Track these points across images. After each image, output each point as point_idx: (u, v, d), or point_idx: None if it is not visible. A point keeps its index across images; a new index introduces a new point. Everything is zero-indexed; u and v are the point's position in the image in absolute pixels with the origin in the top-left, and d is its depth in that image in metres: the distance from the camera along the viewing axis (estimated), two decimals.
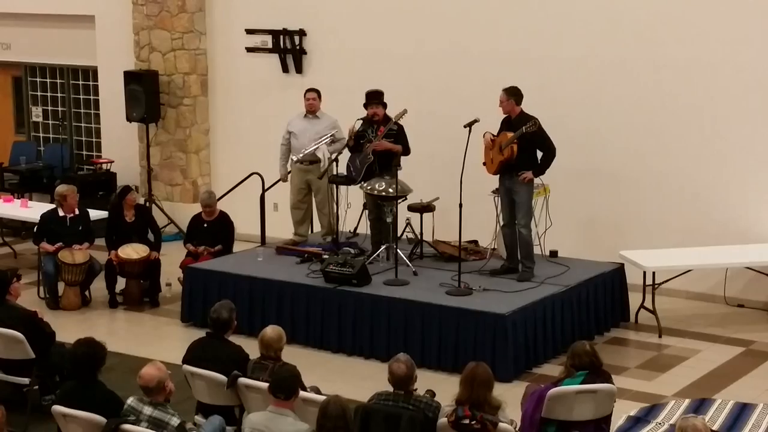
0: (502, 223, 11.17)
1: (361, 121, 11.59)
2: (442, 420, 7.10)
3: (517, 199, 10.87)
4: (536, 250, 11.28)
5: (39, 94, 16.84)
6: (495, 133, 10.92)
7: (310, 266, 11.33)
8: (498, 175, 11.02)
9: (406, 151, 11.40)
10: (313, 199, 12.35)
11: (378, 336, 10.39)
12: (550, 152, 10.80)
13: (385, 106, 11.48)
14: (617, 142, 12.35)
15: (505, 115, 10.90)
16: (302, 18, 14.17)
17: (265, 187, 13.35)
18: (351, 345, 10.56)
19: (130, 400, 7.16)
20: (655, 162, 12.19)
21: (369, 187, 11.35)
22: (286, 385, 6.95)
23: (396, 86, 11.79)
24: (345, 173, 11.79)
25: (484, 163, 11.01)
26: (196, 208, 12.72)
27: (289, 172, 12.37)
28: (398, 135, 11.40)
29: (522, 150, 10.69)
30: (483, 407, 7.01)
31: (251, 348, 8.30)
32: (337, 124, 12.08)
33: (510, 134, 10.70)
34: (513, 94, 10.79)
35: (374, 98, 11.47)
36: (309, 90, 12.27)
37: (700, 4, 11.83)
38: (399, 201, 11.42)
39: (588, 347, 7.69)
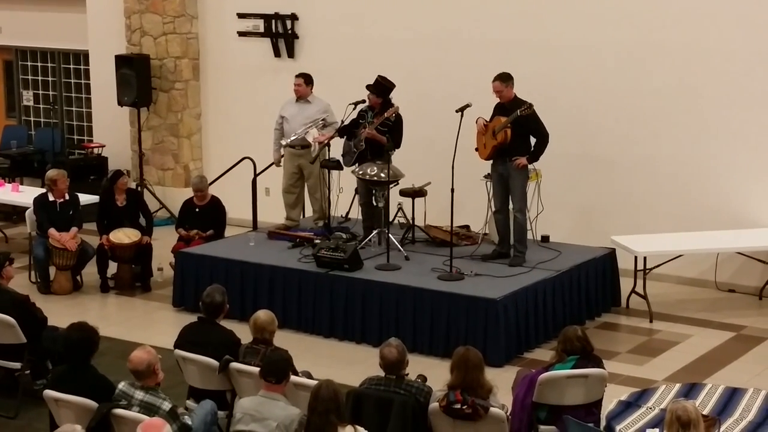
0: (494, 209, 11.16)
1: (353, 105, 11.57)
2: (434, 405, 7.12)
3: (512, 184, 10.85)
4: (528, 235, 11.30)
5: (30, 78, 16.80)
6: (488, 119, 10.91)
7: (301, 251, 11.33)
8: (490, 161, 11.01)
9: (396, 144, 11.31)
10: (305, 184, 12.34)
11: (370, 321, 10.40)
12: (543, 138, 10.78)
13: (380, 96, 11.36)
14: (609, 128, 12.35)
15: (498, 100, 10.89)
16: (294, 2, 14.14)
17: (257, 172, 13.34)
18: (343, 330, 10.57)
19: (122, 385, 7.17)
20: (647, 147, 12.21)
21: (361, 172, 11.35)
22: (276, 369, 6.95)
23: (388, 71, 11.76)
24: (337, 158, 11.78)
25: (477, 149, 11.00)
26: (188, 193, 12.71)
27: (283, 156, 12.36)
28: (393, 127, 11.37)
29: (515, 135, 10.67)
30: (476, 390, 7.03)
31: (243, 333, 8.30)
32: (329, 109, 12.06)
33: (503, 119, 10.68)
34: (509, 79, 10.75)
35: (373, 86, 11.40)
36: (297, 75, 12.25)
37: None
38: (391, 186, 11.41)
39: (579, 332, 7.71)
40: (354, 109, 11.55)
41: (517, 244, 10.95)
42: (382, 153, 11.18)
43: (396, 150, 11.25)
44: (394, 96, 11.47)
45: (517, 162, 10.75)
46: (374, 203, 11.35)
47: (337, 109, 11.89)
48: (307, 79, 12.16)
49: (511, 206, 10.96)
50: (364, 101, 11.53)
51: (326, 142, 11.71)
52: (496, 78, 10.78)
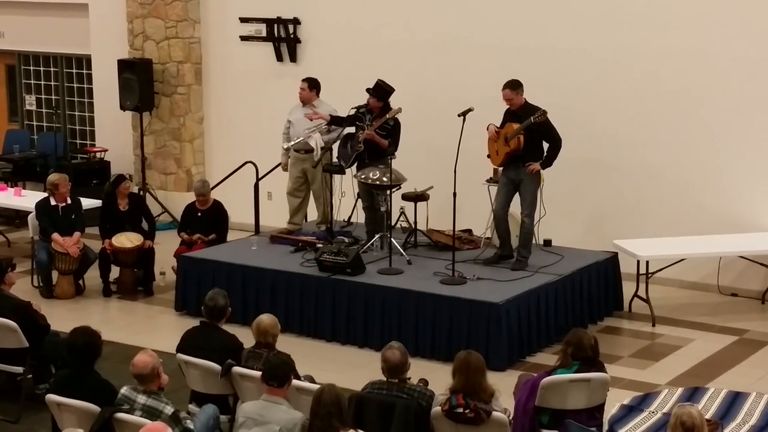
0: (492, 209, 11.08)
1: (356, 110, 11.59)
2: (436, 409, 7.12)
3: (524, 189, 10.79)
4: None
5: (32, 82, 16.82)
6: (497, 124, 10.88)
7: (304, 255, 11.33)
8: (501, 167, 10.97)
9: (394, 147, 11.33)
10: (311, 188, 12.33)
11: (372, 325, 10.40)
12: (556, 143, 10.73)
13: (380, 100, 11.39)
14: (612, 132, 12.35)
15: (507, 106, 10.85)
16: (296, 6, 14.15)
17: (259, 176, 13.34)
18: (345, 334, 10.57)
19: (124, 389, 7.16)
20: (650, 152, 12.20)
21: (363, 176, 11.35)
22: (278, 373, 6.94)
23: (390, 75, 11.77)
24: (339, 162, 11.81)
25: (489, 156, 10.97)
26: (190, 197, 12.71)
27: (290, 158, 12.35)
28: (391, 130, 11.38)
29: (528, 141, 10.62)
30: (478, 394, 7.02)
31: (245, 337, 8.31)
32: (334, 113, 12.03)
33: (516, 125, 10.64)
34: (518, 86, 10.71)
35: (373, 89, 11.43)
36: (302, 80, 12.26)
37: None
38: (393, 190, 11.41)
39: (593, 341, 7.65)
40: (361, 109, 11.56)
41: (522, 249, 10.94)
42: (381, 156, 11.18)
43: (394, 151, 11.25)
44: (397, 99, 11.46)
45: (531, 168, 10.71)
46: (376, 207, 11.35)
47: (339, 114, 11.88)
48: (311, 84, 12.14)
49: (519, 210, 10.92)
50: (366, 105, 11.53)
51: (322, 120, 11.73)
52: (505, 86, 10.73)
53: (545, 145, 10.81)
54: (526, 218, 10.86)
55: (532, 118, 10.50)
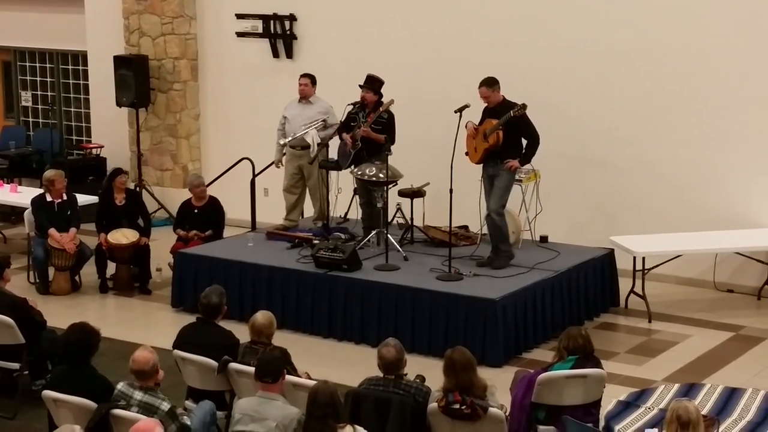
0: (486, 213, 11.07)
1: (352, 106, 11.59)
2: (433, 405, 7.12)
3: (497, 183, 10.68)
4: (526, 236, 11.32)
5: (28, 78, 16.79)
6: (477, 123, 10.86)
7: (300, 251, 11.33)
8: (480, 164, 10.95)
9: (391, 140, 11.33)
10: (306, 185, 12.33)
11: (368, 321, 10.40)
12: (534, 140, 10.69)
13: (376, 93, 11.43)
14: (609, 129, 12.35)
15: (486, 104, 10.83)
16: (292, 3, 14.14)
17: (256, 173, 13.34)
18: (341, 330, 10.57)
19: (120, 385, 7.16)
20: (647, 148, 12.20)
21: (359, 173, 11.35)
22: (271, 369, 6.93)
23: (387, 71, 11.76)
24: (335, 159, 11.80)
25: (467, 153, 10.95)
26: (187, 194, 12.70)
27: (285, 155, 12.34)
28: (386, 124, 11.38)
29: (507, 137, 10.59)
30: (471, 390, 7.02)
31: (241, 333, 8.30)
32: (331, 110, 12.04)
33: (495, 121, 10.63)
34: (495, 83, 10.68)
35: (367, 82, 11.46)
36: (302, 75, 12.25)
37: None
38: (389, 186, 11.41)
39: (582, 331, 7.72)
40: (353, 109, 11.56)
41: (501, 245, 10.83)
42: (379, 152, 11.17)
43: (391, 146, 11.24)
44: (393, 95, 11.45)
45: (510, 165, 10.68)
46: (374, 203, 11.35)
47: (336, 110, 11.89)
48: (313, 80, 12.15)
49: (487, 205, 10.84)
50: (361, 101, 11.52)
51: (318, 117, 11.77)
52: (481, 84, 10.70)
53: (524, 143, 10.77)
54: (495, 215, 10.61)
55: (511, 111, 10.48)
